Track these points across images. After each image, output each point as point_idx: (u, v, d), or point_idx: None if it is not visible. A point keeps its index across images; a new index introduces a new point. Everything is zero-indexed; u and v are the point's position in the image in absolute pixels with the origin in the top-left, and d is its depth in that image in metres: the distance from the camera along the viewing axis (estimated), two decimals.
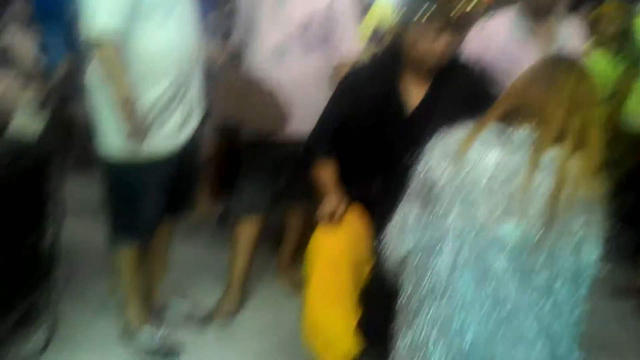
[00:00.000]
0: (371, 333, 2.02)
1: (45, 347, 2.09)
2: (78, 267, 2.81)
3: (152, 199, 2.26)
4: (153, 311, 2.53)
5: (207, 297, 2.72)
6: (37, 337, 2.25)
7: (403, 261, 1.71)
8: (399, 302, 1.74)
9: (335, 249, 1.96)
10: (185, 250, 2.90)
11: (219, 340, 2.48)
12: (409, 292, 1.67)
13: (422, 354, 1.58)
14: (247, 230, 2.72)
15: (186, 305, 2.61)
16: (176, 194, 2.36)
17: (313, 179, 2.23)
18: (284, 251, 3.00)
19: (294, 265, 3.01)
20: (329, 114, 2.22)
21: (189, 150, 2.31)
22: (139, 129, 2.08)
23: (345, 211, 2.01)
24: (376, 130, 2.10)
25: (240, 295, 2.73)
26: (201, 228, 3.51)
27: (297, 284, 2.92)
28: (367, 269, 2.03)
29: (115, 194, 2.27)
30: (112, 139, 2.15)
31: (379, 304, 1.97)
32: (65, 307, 2.40)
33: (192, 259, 3.08)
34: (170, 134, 2.20)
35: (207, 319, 2.59)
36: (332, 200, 2.04)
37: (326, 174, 2.17)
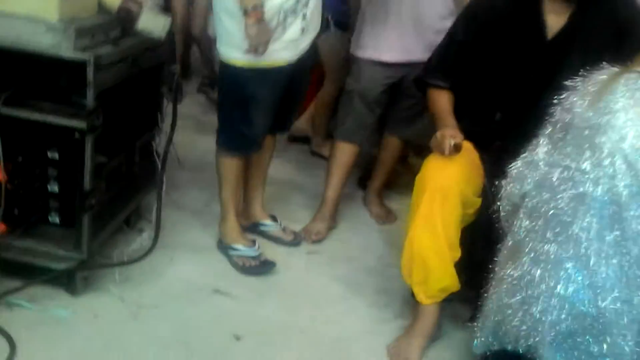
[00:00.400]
0: (468, 275, 1.99)
1: (150, 249, 2.16)
2: (180, 177, 2.88)
3: (263, 109, 2.26)
4: (247, 227, 2.57)
5: (298, 218, 2.75)
6: (141, 240, 2.33)
7: (521, 199, 1.65)
8: (505, 241, 1.69)
9: (446, 181, 1.88)
10: (277, 170, 2.91)
11: (308, 263, 2.50)
12: (521, 230, 1.62)
13: (525, 295, 1.55)
14: (343, 157, 2.70)
15: (278, 224, 2.63)
16: (283, 108, 2.35)
17: (428, 107, 2.16)
18: (374, 181, 2.97)
19: (383, 196, 2.99)
20: (452, 38, 2.12)
21: (304, 63, 2.29)
22: (263, 36, 2.06)
23: (461, 143, 1.93)
24: (509, 55, 1.98)
25: (331, 220, 2.73)
26: (293, 149, 3.52)
27: (385, 215, 2.92)
28: (474, 208, 1.97)
29: (230, 102, 2.28)
30: (233, 45, 2.15)
31: (482, 246, 1.92)
32: (168, 213, 2.45)
33: (284, 180, 3.11)
34: (288, 45, 2.18)
35: (297, 240, 2.61)
36: (447, 130, 1.95)
37: (442, 103, 2.09)
